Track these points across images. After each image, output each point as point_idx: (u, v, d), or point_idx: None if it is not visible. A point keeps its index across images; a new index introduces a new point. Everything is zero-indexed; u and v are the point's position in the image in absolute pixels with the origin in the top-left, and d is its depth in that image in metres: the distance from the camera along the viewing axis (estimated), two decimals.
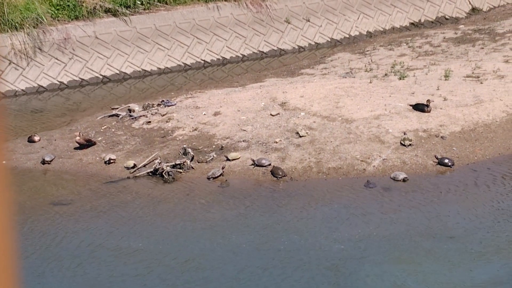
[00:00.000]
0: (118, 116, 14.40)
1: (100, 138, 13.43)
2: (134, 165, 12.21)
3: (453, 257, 9.21)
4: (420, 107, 13.19)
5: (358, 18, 20.00)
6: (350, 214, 10.45)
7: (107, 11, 18.03)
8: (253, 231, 10.13)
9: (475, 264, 9.07)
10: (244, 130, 12.98)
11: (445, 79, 14.87)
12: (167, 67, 17.99)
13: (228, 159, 12.08)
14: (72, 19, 17.75)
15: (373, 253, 9.35)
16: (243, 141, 12.65)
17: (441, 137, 12.51)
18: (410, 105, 13.38)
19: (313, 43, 19.34)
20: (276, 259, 9.33)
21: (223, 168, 11.81)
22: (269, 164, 11.84)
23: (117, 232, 10.31)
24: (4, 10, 16.94)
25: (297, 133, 12.64)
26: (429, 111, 13.10)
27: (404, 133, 12.48)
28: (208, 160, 12.16)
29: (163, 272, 9.20)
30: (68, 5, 17.77)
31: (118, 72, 17.59)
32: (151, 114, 14.24)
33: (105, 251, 9.78)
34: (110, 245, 9.91)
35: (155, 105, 14.65)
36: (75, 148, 13.06)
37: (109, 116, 14.58)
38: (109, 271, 9.28)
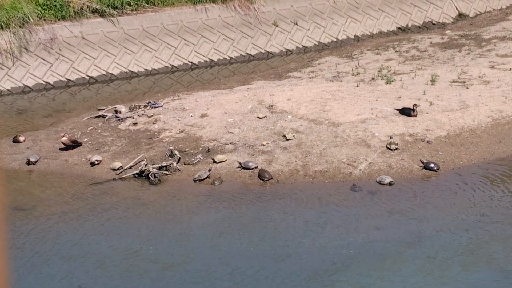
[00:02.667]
0: (105, 117, 14.34)
1: (86, 139, 13.36)
2: (120, 167, 12.16)
3: (435, 265, 9.23)
4: (406, 112, 13.25)
5: (345, 22, 20.07)
6: (335, 218, 10.46)
7: (95, 11, 17.96)
8: (239, 234, 10.11)
9: (456, 272, 9.09)
10: (231, 133, 12.97)
11: (432, 84, 14.96)
12: (154, 69, 17.94)
13: (214, 162, 12.07)
14: (59, 19, 17.66)
15: (355, 260, 9.35)
16: (230, 143, 12.64)
17: (427, 141, 12.57)
18: (397, 109, 13.44)
19: (300, 47, 19.38)
20: (258, 262, 9.32)
21: (209, 170, 11.79)
22: (256, 167, 11.84)
23: (102, 233, 10.26)
24: None
25: (284, 136, 12.65)
26: (415, 116, 13.17)
27: (390, 137, 12.52)
28: (194, 162, 12.13)
29: (143, 272, 9.17)
30: (55, 5, 17.67)
31: (105, 73, 17.52)
32: (138, 115, 14.20)
33: (92, 251, 9.72)
34: (98, 247, 9.86)
35: (141, 107, 14.61)
36: (61, 149, 12.99)
37: (96, 117, 14.53)
38: (97, 270, 9.23)
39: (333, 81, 15.62)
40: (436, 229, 10.07)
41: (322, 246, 9.65)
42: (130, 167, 12.17)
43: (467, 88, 14.68)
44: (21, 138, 13.47)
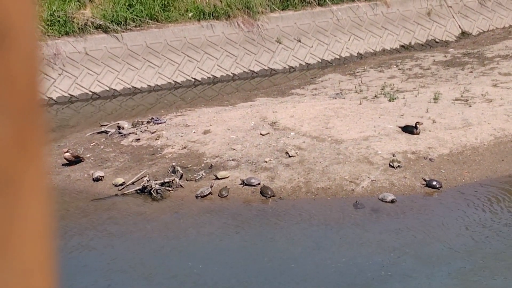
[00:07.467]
0: (107, 133, 14.35)
1: (88, 155, 13.37)
2: (123, 183, 12.15)
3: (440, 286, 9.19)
4: (409, 129, 13.25)
5: (349, 40, 20.13)
6: (338, 236, 10.43)
7: (98, 27, 18.04)
8: (241, 251, 10.08)
9: None
10: (234, 149, 12.97)
11: (434, 102, 14.97)
12: (157, 85, 17.98)
13: (217, 178, 12.05)
14: (62, 35, 17.73)
15: (357, 280, 9.32)
16: (233, 160, 12.64)
17: (430, 159, 12.56)
18: (399, 127, 13.44)
19: (304, 64, 19.43)
20: (259, 279, 9.28)
21: (211, 186, 11.77)
22: (258, 184, 11.83)
23: (104, 248, 10.24)
24: None
25: (287, 153, 12.64)
26: (418, 133, 13.17)
27: (393, 155, 12.51)
28: (197, 178, 12.12)
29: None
30: (59, 21, 17.76)
31: (108, 88, 17.56)
32: (141, 131, 14.21)
33: (94, 265, 9.70)
34: (102, 261, 9.84)
35: (144, 123, 14.63)
36: (63, 165, 12.99)
37: (98, 132, 14.53)
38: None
39: (336, 98, 15.64)
40: (439, 247, 10.03)
41: (324, 265, 9.61)
42: (133, 183, 12.17)
43: (470, 106, 14.69)
44: None
